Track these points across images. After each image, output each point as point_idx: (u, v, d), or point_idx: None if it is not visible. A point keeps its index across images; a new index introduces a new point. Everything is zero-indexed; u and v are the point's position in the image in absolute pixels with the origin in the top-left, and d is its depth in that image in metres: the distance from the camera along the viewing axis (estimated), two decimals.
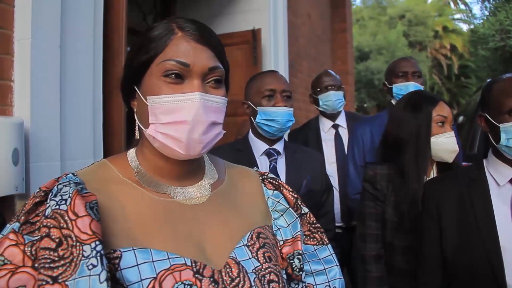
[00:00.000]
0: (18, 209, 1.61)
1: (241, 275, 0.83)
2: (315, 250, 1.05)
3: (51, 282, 0.68)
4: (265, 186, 1.05)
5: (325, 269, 1.03)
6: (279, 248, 0.97)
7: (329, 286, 1.01)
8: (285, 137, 2.19)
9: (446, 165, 1.88)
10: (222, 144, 2.02)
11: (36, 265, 0.71)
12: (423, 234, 1.61)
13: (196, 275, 0.78)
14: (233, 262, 0.84)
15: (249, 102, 1.97)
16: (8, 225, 0.77)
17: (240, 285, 0.82)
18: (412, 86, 2.54)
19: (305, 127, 3.28)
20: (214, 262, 0.83)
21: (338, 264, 1.06)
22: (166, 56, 0.85)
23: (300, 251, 0.97)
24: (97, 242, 0.71)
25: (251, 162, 1.86)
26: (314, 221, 1.07)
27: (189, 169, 0.93)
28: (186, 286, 0.76)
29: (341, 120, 3.08)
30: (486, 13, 15.03)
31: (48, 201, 0.76)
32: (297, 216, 1.02)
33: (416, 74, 2.60)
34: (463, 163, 1.96)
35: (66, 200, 0.75)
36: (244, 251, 0.88)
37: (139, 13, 4.63)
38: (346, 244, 2.75)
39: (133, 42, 0.92)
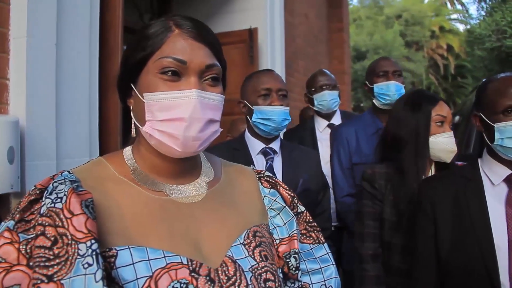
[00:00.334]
0: (12, 207, 1.60)
1: (238, 274, 0.83)
2: (311, 249, 1.04)
3: (46, 281, 0.67)
4: (261, 184, 1.05)
5: (321, 268, 1.03)
6: (276, 247, 0.97)
7: (325, 285, 1.01)
8: (281, 136, 2.19)
9: (444, 164, 1.88)
10: (218, 143, 2.02)
11: (31, 263, 0.71)
12: (418, 232, 1.62)
13: (192, 274, 0.78)
14: (230, 260, 0.84)
15: (245, 101, 1.97)
16: (2, 223, 0.76)
17: (236, 284, 0.81)
18: (393, 85, 2.53)
19: (300, 127, 3.28)
20: (211, 260, 0.83)
21: (334, 263, 1.06)
22: (163, 53, 0.84)
23: (297, 250, 0.97)
24: (93, 241, 0.71)
25: (248, 161, 1.86)
26: (311, 220, 1.07)
27: (185, 167, 0.93)
28: (182, 284, 0.76)
29: (337, 120, 3.08)
30: (483, 13, 15.11)
31: (43, 199, 0.76)
32: (293, 215, 1.02)
33: (396, 73, 2.59)
34: (459, 163, 1.95)
35: (61, 198, 0.74)
36: (240, 249, 0.87)
37: (135, 11, 4.62)
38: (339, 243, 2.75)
39: (130, 39, 0.92)
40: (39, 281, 0.67)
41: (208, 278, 0.79)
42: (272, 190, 1.05)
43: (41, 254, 0.69)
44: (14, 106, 1.69)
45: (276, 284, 0.87)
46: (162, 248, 0.79)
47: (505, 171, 1.47)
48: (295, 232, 0.99)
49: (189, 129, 0.83)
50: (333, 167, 2.66)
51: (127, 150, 0.94)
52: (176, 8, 4.86)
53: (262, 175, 1.08)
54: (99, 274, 0.68)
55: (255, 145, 1.97)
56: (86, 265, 0.68)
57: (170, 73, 0.84)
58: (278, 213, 1.01)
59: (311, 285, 1.00)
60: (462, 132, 4.76)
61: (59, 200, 0.74)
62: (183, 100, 0.83)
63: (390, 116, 2.05)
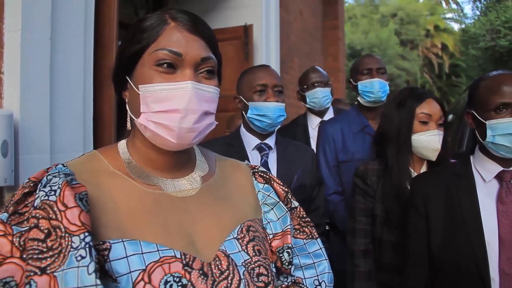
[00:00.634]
0: (7, 200, 1.60)
1: (231, 268, 0.83)
2: (304, 244, 1.05)
3: (39, 273, 0.67)
4: (255, 179, 1.05)
5: (314, 263, 1.04)
6: (269, 242, 0.97)
7: (318, 280, 1.02)
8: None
9: (436, 161, 1.90)
10: (213, 138, 2.02)
11: (24, 256, 0.71)
12: (410, 228, 1.63)
13: (186, 268, 0.78)
14: (223, 255, 0.85)
15: (241, 97, 1.96)
16: None
17: (229, 278, 0.82)
18: (377, 82, 2.52)
19: (293, 124, 3.26)
20: (204, 254, 0.83)
21: (327, 258, 1.06)
22: (158, 45, 0.84)
23: (290, 245, 0.97)
24: (86, 234, 0.71)
25: (243, 157, 1.84)
26: (304, 215, 1.08)
27: (179, 161, 0.93)
28: (175, 278, 0.76)
29: (329, 117, 3.05)
30: (477, 13, 15.19)
31: (37, 192, 0.76)
32: (287, 210, 1.02)
33: (380, 70, 2.58)
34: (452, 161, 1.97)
35: (55, 191, 0.74)
36: (234, 244, 0.88)
37: (130, 7, 4.60)
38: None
39: (126, 33, 0.92)
40: (32, 273, 0.67)
41: (201, 272, 0.79)
42: (266, 185, 1.05)
43: (34, 247, 0.69)
44: (8, 99, 1.68)
45: (269, 278, 0.87)
46: (156, 242, 0.79)
47: (496, 168, 1.49)
48: (288, 227, 0.99)
49: (184, 120, 0.83)
50: (319, 165, 2.67)
51: (122, 144, 0.94)
52: (171, 4, 4.85)
53: (256, 170, 1.08)
54: (92, 267, 0.68)
55: (250, 141, 1.96)
56: (79, 258, 0.68)
57: (165, 65, 0.84)
58: (272, 208, 1.01)
59: (304, 280, 1.01)
60: (455, 130, 4.79)
61: (53, 193, 0.74)
62: (178, 92, 0.83)
63: (382, 112, 2.07)
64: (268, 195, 1.03)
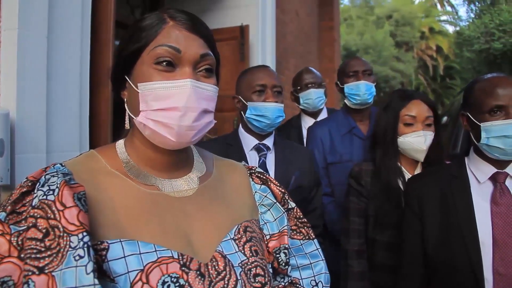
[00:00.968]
0: (2, 200, 1.59)
1: (227, 269, 0.83)
2: (301, 244, 1.06)
3: (37, 273, 0.67)
4: (252, 180, 1.06)
5: (311, 263, 1.04)
6: (266, 242, 0.98)
7: (315, 280, 1.02)
8: None
9: (431, 162, 1.92)
10: (212, 138, 2.01)
11: (22, 255, 0.71)
12: (404, 229, 1.65)
13: (183, 268, 0.78)
14: (220, 255, 0.85)
15: (240, 97, 1.95)
16: None
17: (226, 279, 0.82)
18: (363, 85, 2.53)
19: (287, 125, 3.25)
20: (201, 255, 0.83)
21: (324, 258, 1.07)
22: (157, 43, 0.85)
23: (286, 246, 0.97)
24: (85, 233, 0.71)
25: (241, 157, 1.85)
26: (301, 216, 1.08)
27: (177, 161, 0.93)
28: (172, 279, 0.76)
29: (323, 117, 3.03)
30: (472, 15, 15.27)
31: (35, 191, 0.76)
32: (284, 211, 1.03)
33: (366, 72, 2.58)
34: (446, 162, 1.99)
35: (53, 190, 0.74)
36: (230, 244, 0.88)
37: (127, 6, 4.59)
38: None
39: (124, 32, 0.92)
40: (30, 273, 0.67)
41: (198, 272, 0.80)
42: (263, 186, 1.05)
43: (32, 246, 0.69)
44: (4, 98, 1.68)
45: (266, 279, 0.87)
46: (154, 242, 0.79)
47: (490, 169, 1.50)
48: (285, 227, 0.99)
49: (184, 118, 0.83)
50: None
51: (120, 143, 0.94)
52: (168, 4, 4.84)
53: (253, 171, 1.08)
54: (90, 266, 0.68)
55: (248, 141, 1.96)
56: (77, 257, 0.68)
57: (164, 63, 0.84)
58: (269, 209, 1.02)
59: (300, 280, 1.01)
60: (449, 132, 4.81)
61: (51, 192, 0.74)
62: (177, 90, 0.83)
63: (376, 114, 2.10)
64: (265, 196, 1.03)
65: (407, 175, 1.92)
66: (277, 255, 0.96)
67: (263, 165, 1.89)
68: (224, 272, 0.83)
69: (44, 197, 0.73)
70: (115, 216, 0.80)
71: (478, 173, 1.53)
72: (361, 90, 2.51)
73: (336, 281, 1.84)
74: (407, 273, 1.62)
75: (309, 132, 2.75)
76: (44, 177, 0.78)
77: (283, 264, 0.96)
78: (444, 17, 27.33)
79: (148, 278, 0.74)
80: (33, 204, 0.74)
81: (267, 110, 1.86)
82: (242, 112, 1.96)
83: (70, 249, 0.69)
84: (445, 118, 5.50)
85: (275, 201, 1.03)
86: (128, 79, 0.89)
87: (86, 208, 0.75)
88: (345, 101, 2.64)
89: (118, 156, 0.91)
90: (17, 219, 0.75)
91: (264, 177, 1.07)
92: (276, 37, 4.77)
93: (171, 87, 0.83)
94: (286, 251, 0.97)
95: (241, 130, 2.01)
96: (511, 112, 1.42)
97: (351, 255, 1.92)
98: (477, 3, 14.86)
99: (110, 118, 2.15)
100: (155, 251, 0.78)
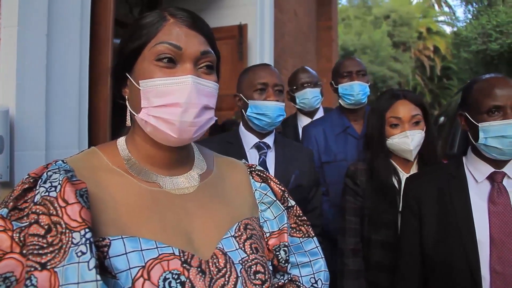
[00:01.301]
0: (1, 196, 1.59)
1: (228, 266, 0.84)
2: (301, 242, 1.06)
3: (39, 269, 0.67)
4: (252, 178, 1.06)
5: (310, 261, 1.05)
6: (266, 240, 0.98)
7: (314, 278, 1.03)
8: None
9: (427, 161, 1.93)
10: (212, 136, 2.01)
11: (24, 251, 0.71)
12: (403, 228, 1.66)
13: (184, 265, 0.79)
14: (220, 252, 0.85)
15: (241, 95, 1.95)
16: None
17: (226, 276, 0.83)
18: (356, 85, 2.54)
19: (283, 124, 3.25)
20: (202, 252, 0.84)
21: (323, 256, 1.07)
22: (158, 40, 0.85)
23: (286, 243, 0.98)
24: (87, 230, 0.71)
25: (241, 155, 1.84)
26: (301, 214, 1.09)
27: (178, 158, 0.94)
28: (174, 275, 0.77)
29: (319, 116, 3.04)
30: (469, 16, 15.30)
31: (37, 188, 0.76)
32: (284, 209, 1.03)
33: (360, 72, 2.59)
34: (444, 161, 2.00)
35: (56, 187, 0.74)
36: (231, 242, 0.89)
37: (125, 5, 4.59)
38: None
39: (125, 30, 0.93)
40: (32, 269, 0.67)
41: (199, 269, 0.80)
42: (263, 184, 1.06)
43: (34, 242, 0.69)
44: (4, 95, 1.68)
45: (266, 276, 0.88)
46: (155, 239, 0.80)
47: (488, 169, 1.51)
48: (285, 225, 1.00)
49: (185, 114, 0.83)
50: None
51: (121, 141, 0.95)
52: (166, 2, 4.84)
53: (253, 169, 1.09)
54: (92, 263, 0.68)
55: (249, 139, 1.95)
56: (79, 254, 0.69)
57: (165, 60, 0.84)
58: (269, 207, 1.02)
59: (300, 278, 1.02)
60: (446, 132, 4.82)
61: (53, 189, 0.74)
62: (179, 86, 0.83)
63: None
64: (265, 194, 1.04)
65: (402, 174, 1.93)
66: (277, 253, 0.97)
67: (263, 163, 1.89)
68: (225, 269, 0.83)
69: (46, 193, 0.74)
70: (117, 213, 0.81)
71: (476, 173, 1.54)
72: (355, 91, 2.52)
73: (333, 280, 1.85)
74: (405, 272, 1.63)
75: (303, 132, 2.77)
76: (46, 173, 0.78)
77: (283, 261, 0.97)
78: (441, 18, 27.41)
79: (149, 274, 0.75)
80: (35, 200, 0.74)
81: (268, 108, 1.86)
82: (243, 110, 1.95)
83: (72, 245, 0.69)
84: (442, 119, 5.51)
85: (275, 199, 1.04)
86: (129, 76, 0.90)
87: (88, 205, 0.75)
88: (339, 101, 2.65)
89: (119, 153, 0.91)
90: (19, 215, 0.75)
91: (264, 175, 1.08)
92: (274, 36, 4.78)
93: (172, 83, 0.83)
94: (286, 248, 0.98)
95: (241, 128, 2.01)
96: (508, 112, 1.43)
97: (347, 254, 1.94)
98: (474, 4, 14.90)
99: (109, 115, 2.15)
100: (156, 247, 0.79)
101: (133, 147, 0.92)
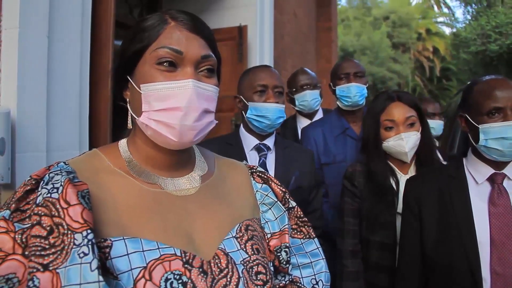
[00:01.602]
0: (3, 198, 1.60)
1: (230, 266, 0.84)
2: (302, 243, 1.07)
3: (41, 270, 0.68)
4: (253, 179, 1.07)
5: (311, 262, 1.05)
6: (267, 241, 0.98)
7: (315, 279, 1.03)
8: None
9: (424, 162, 1.94)
10: (212, 138, 2.01)
11: (26, 252, 0.71)
12: (403, 229, 1.66)
13: (186, 265, 0.79)
14: (222, 253, 0.86)
15: (241, 97, 1.95)
16: None
17: (228, 276, 0.83)
18: (353, 87, 2.54)
19: (282, 126, 3.25)
20: (203, 253, 0.84)
21: (324, 257, 1.08)
22: (159, 44, 0.86)
23: (287, 244, 0.98)
24: (89, 231, 0.71)
25: (241, 157, 1.82)
26: (302, 215, 1.09)
27: (179, 160, 0.94)
28: (175, 276, 0.77)
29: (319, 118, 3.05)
30: (468, 17, 15.32)
31: (39, 189, 0.76)
32: (284, 210, 1.03)
33: (358, 74, 2.59)
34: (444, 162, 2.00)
35: (57, 188, 0.75)
36: (232, 242, 0.89)
37: (125, 6, 4.59)
38: None
39: (126, 33, 0.93)
40: (34, 270, 0.67)
41: (201, 270, 0.80)
42: (264, 185, 1.06)
43: (36, 244, 0.70)
44: (5, 97, 1.68)
45: (267, 277, 0.88)
46: (156, 240, 0.80)
47: (488, 171, 1.51)
48: (286, 226, 1.00)
49: (186, 118, 0.84)
50: None
51: (122, 143, 0.95)
52: (166, 3, 4.84)
53: (254, 170, 1.09)
54: (94, 264, 0.68)
55: (249, 141, 1.95)
56: (81, 255, 0.69)
57: (166, 63, 0.85)
58: (270, 208, 1.03)
59: (301, 279, 1.02)
60: (446, 133, 4.83)
61: (55, 190, 0.74)
62: (179, 90, 0.84)
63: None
64: (266, 195, 1.04)
65: (400, 175, 1.94)
66: (278, 254, 0.97)
67: (263, 165, 1.89)
68: (227, 269, 0.84)
69: (48, 195, 0.74)
70: (118, 214, 0.81)
71: (476, 174, 1.54)
72: (352, 92, 2.53)
73: (332, 281, 1.85)
74: (405, 273, 1.63)
75: (302, 133, 2.77)
76: (48, 175, 0.78)
77: (284, 262, 0.97)
78: (441, 19, 27.39)
79: (151, 275, 0.75)
80: (37, 202, 0.74)
81: (268, 110, 1.86)
82: (243, 112, 1.95)
83: (74, 246, 0.70)
84: None
85: (276, 200, 1.04)
86: (130, 79, 0.90)
87: (90, 206, 0.75)
88: (337, 102, 2.66)
89: (121, 155, 0.92)
90: (21, 217, 0.76)
91: (265, 176, 1.08)
92: (274, 37, 4.78)
93: (173, 87, 0.84)
94: (287, 249, 0.98)
95: (242, 129, 2.01)
96: (509, 114, 1.43)
97: (346, 255, 1.94)
98: (473, 5, 14.92)
99: (110, 117, 2.16)
100: (158, 248, 0.79)
101: (134, 149, 0.93)
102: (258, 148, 1.94)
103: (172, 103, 0.83)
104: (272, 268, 0.96)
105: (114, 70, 0.95)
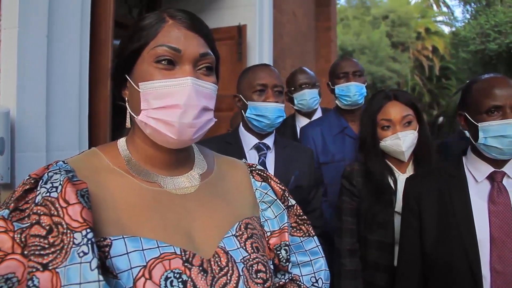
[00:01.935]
0: (2, 198, 1.59)
1: (230, 265, 0.84)
2: (301, 241, 1.07)
3: (41, 269, 0.67)
4: (253, 177, 1.07)
5: (311, 260, 1.05)
6: (266, 239, 0.98)
7: (315, 277, 1.03)
8: None
9: (422, 162, 1.94)
10: (212, 137, 2.01)
11: (25, 252, 0.71)
12: (403, 228, 1.66)
13: (186, 264, 0.79)
14: (222, 251, 0.86)
15: (240, 96, 1.94)
16: None
17: (228, 274, 0.83)
18: (353, 86, 2.54)
19: (281, 125, 3.26)
20: (203, 251, 0.84)
21: (323, 255, 1.08)
22: (157, 42, 0.85)
23: (287, 242, 0.98)
24: (88, 230, 0.71)
25: (240, 156, 1.79)
26: (301, 213, 1.09)
27: (179, 158, 0.94)
28: (175, 274, 0.77)
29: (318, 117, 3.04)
30: (468, 16, 15.32)
31: (38, 189, 0.76)
32: (284, 208, 1.03)
33: (356, 73, 2.59)
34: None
35: (57, 187, 0.74)
36: (232, 241, 0.89)
37: (124, 6, 4.59)
38: None
39: (125, 32, 0.93)
40: (34, 269, 0.67)
41: (201, 268, 0.80)
42: (263, 183, 1.06)
43: (36, 243, 0.69)
44: (4, 97, 1.68)
45: (267, 275, 0.88)
46: (156, 238, 0.80)
47: (488, 169, 1.52)
48: (285, 224, 1.00)
49: (185, 115, 0.83)
50: None
51: (121, 142, 0.95)
52: (165, 3, 4.84)
53: (253, 168, 1.09)
54: (94, 263, 0.68)
55: (248, 140, 1.95)
56: (81, 254, 0.69)
57: (165, 62, 0.85)
58: (269, 206, 1.03)
59: (301, 277, 1.02)
60: (446, 132, 4.84)
61: (54, 189, 0.74)
62: (178, 88, 0.84)
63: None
64: (266, 193, 1.04)
65: (398, 174, 1.95)
66: (278, 252, 0.97)
67: (262, 164, 1.88)
68: (227, 268, 0.83)
69: (47, 194, 0.74)
70: (118, 213, 0.81)
71: (476, 172, 1.54)
72: (351, 92, 2.53)
73: (331, 280, 1.85)
74: (405, 272, 1.63)
75: (301, 132, 2.77)
76: (47, 174, 0.78)
77: (284, 260, 0.97)
78: (440, 18, 27.41)
79: (151, 274, 0.75)
80: (36, 201, 0.74)
81: (267, 110, 1.85)
82: (242, 111, 1.95)
83: (73, 245, 0.69)
84: (441, 119, 5.53)
85: (275, 198, 1.04)
86: (129, 78, 0.90)
87: (89, 205, 0.75)
88: (336, 101, 2.66)
89: (120, 154, 0.92)
90: (20, 216, 0.75)
91: (264, 175, 1.08)
92: (273, 37, 4.78)
93: (171, 85, 0.84)
94: (286, 247, 0.98)
95: (241, 129, 2.00)
96: (508, 112, 1.43)
97: (344, 254, 1.94)
98: (472, 4, 14.92)
99: (109, 117, 2.16)
100: (158, 247, 0.79)
101: (133, 148, 0.93)
102: (257, 147, 1.94)
103: (171, 101, 0.83)
104: (272, 267, 0.96)
105: (112, 69, 0.95)
